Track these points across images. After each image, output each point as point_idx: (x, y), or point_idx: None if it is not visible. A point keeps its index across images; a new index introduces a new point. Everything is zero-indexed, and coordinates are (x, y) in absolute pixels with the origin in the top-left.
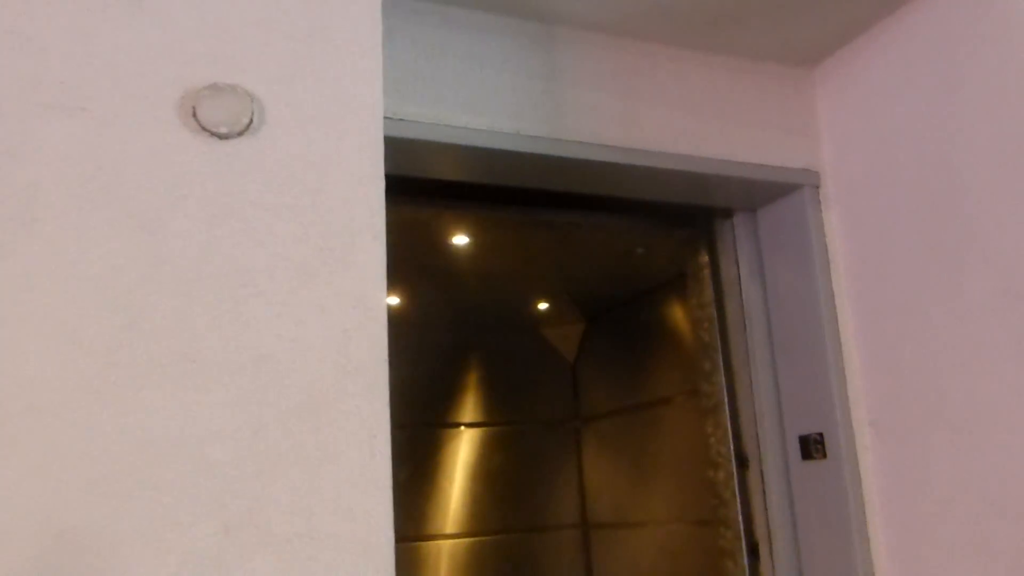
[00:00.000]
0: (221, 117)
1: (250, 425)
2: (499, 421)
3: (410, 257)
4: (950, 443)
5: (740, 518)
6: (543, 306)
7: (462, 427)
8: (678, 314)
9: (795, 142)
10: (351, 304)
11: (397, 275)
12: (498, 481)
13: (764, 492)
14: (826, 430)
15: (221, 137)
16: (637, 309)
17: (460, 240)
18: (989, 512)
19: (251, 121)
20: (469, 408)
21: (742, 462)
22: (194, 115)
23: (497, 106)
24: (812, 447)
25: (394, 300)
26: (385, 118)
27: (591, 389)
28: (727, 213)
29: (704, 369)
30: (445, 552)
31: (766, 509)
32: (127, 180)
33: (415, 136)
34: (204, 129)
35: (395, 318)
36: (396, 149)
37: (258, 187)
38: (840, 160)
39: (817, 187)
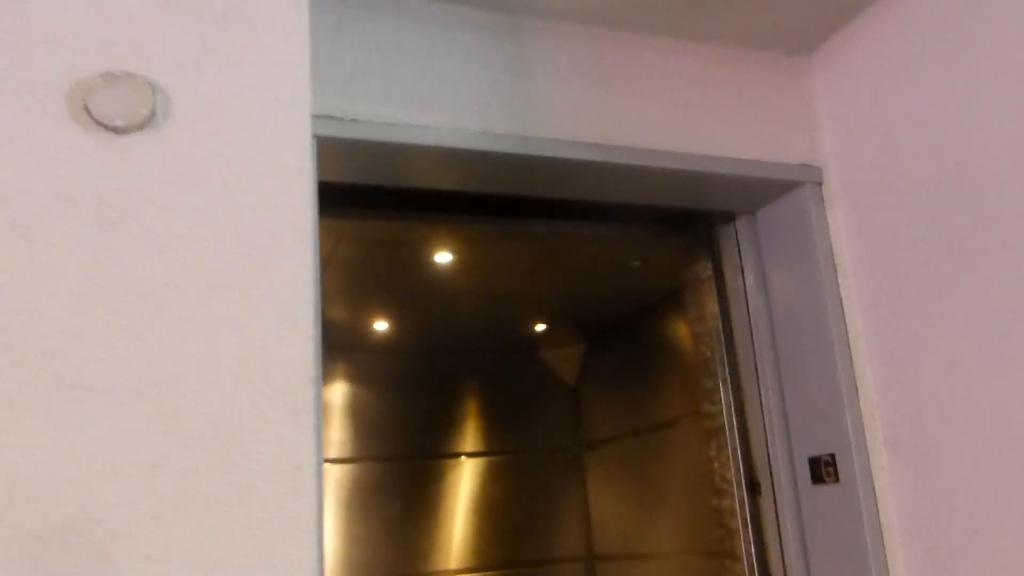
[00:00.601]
0: (117, 109)
1: (146, 461)
2: (499, 450)
3: (394, 277)
4: (977, 464)
5: (752, 550)
6: (540, 327)
7: (462, 456)
8: (682, 330)
9: (793, 135)
10: (272, 317)
11: (383, 298)
12: (499, 512)
13: (777, 521)
14: (838, 451)
15: (117, 131)
16: (639, 327)
17: (443, 258)
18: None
19: (152, 113)
20: (467, 437)
21: (752, 487)
22: (86, 108)
23: (461, 103)
24: (823, 470)
25: (383, 325)
26: (335, 119)
27: (594, 413)
28: (728, 217)
29: (705, 388)
30: None
31: (780, 539)
32: (4, 182)
33: (370, 138)
34: (97, 123)
35: (385, 344)
36: (350, 153)
37: (161, 186)
38: (843, 153)
39: (819, 184)
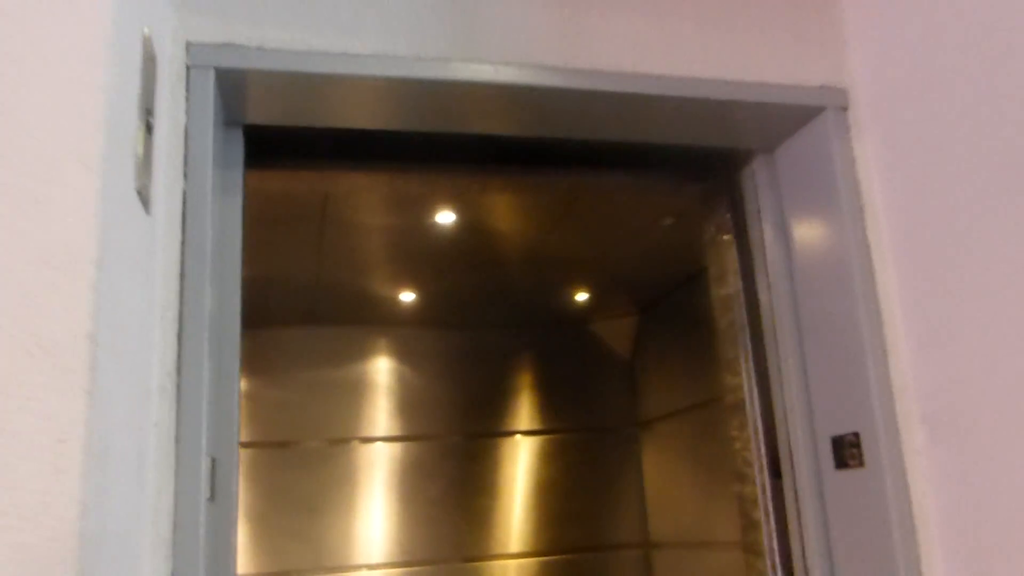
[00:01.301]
0: None
1: None
2: (550, 429)
3: (410, 241)
4: None
5: (775, 544)
6: (583, 296)
7: (511, 436)
8: None
9: (812, 52)
10: (42, 259)
11: (403, 265)
12: (550, 495)
13: (799, 511)
14: (863, 429)
15: None
16: (692, 294)
17: (445, 218)
18: None
19: None
20: (516, 416)
21: (775, 472)
22: None
23: (383, 22)
24: (846, 452)
25: (409, 296)
26: (238, 47)
27: (650, 389)
28: (746, 158)
29: (727, 357)
30: (512, 571)
31: (800, 533)
32: None
33: (282, 68)
34: None
35: (422, 318)
36: (265, 88)
37: None
38: (873, 72)
39: (844, 109)
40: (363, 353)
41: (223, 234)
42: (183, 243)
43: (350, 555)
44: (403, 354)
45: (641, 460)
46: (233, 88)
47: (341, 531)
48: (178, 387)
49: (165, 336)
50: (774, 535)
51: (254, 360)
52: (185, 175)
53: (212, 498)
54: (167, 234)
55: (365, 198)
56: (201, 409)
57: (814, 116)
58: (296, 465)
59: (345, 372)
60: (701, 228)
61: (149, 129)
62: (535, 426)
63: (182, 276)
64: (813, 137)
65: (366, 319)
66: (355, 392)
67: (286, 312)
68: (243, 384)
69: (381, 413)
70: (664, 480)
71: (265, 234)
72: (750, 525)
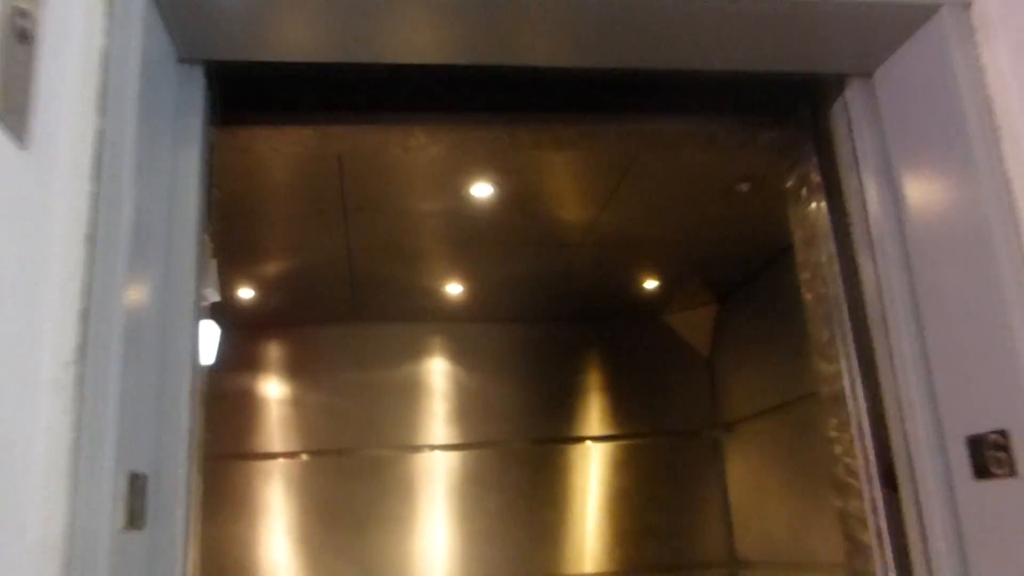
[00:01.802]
0: None
1: None
2: (623, 433)
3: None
4: None
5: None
6: (650, 284)
7: (581, 441)
8: None
9: None
10: None
11: (446, 252)
12: (624, 506)
13: (923, 531)
14: (1013, 426)
15: None
16: (778, 275)
17: (481, 191)
18: None
19: None
20: (585, 419)
21: (888, 482)
22: None
23: None
24: (989, 456)
25: (456, 288)
26: None
27: (733, 387)
28: (837, 86)
29: (819, 339)
30: None
31: (927, 561)
32: None
33: None
34: None
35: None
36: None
37: None
38: None
39: (966, 6)
40: (414, 352)
41: (172, 191)
42: (96, 196)
43: (403, 574)
44: (457, 352)
45: (724, 467)
46: (183, 8)
47: (393, 548)
48: (78, 380)
49: (62, 314)
50: (891, 565)
51: (294, 361)
52: (102, 110)
53: (134, 525)
54: (69, 182)
55: (385, 163)
56: (107, 409)
57: (925, 19)
58: (345, 476)
59: (395, 373)
60: (783, 184)
61: (24, 36)
62: (605, 431)
63: (91, 239)
64: (925, 48)
65: (413, 314)
66: (407, 395)
67: (324, 308)
68: (282, 388)
69: (435, 418)
70: (751, 489)
71: (282, 212)
72: (857, 550)
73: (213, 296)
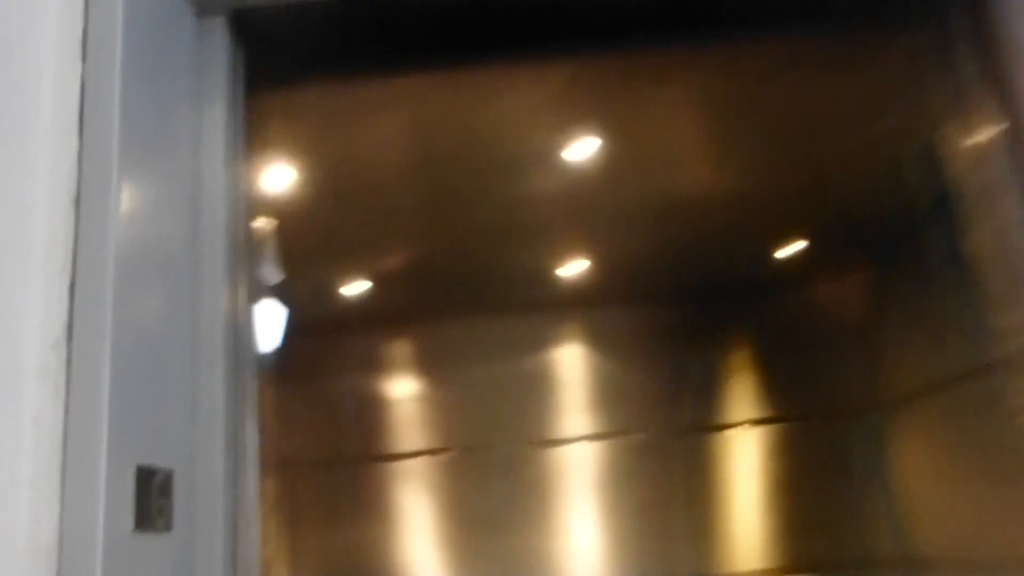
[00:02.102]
0: None
1: None
2: (773, 417)
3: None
4: None
5: None
6: (795, 248)
7: (725, 429)
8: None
9: None
10: None
11: (545, 229)
12: (777, 497)
13: None
14: None
15: None
16: (941, 229)
17: (583, 148)
18: None
19: None
20: (729, 404)
21: None
22: None
23: None
24: None
25: (580, 265)
26: None
27: (896, 361)
28: None
29: (995, 292)
30: None
31: None
32: None
33: None
34: None
35: (593, 293)
36: None
37: None
38: None
39: None
40: (542, 341)
41: (195, 156)
42: (79, 153)
43: None
44: (589, 339)
45: (889, 451)
46: None
47: (528, 549)
48: (68, 362)
49: (47, 288)
50: None
51: (419, 359)
52: (83, 55)
53: (151, 527)
54: (55, 138)
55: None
56: (101, 394)
57: None
58: (477, 475)
59: (524, 365)
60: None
61: None
62: (755, 415)
63: (77, 201)
64: None
65: (539, 302)
66: (538, 387)
67: (444, 302)
68: (408, 387)
69: (569, 411)
70: (923, 475)
71: (381, 202)
72: None
73: (272, 276)
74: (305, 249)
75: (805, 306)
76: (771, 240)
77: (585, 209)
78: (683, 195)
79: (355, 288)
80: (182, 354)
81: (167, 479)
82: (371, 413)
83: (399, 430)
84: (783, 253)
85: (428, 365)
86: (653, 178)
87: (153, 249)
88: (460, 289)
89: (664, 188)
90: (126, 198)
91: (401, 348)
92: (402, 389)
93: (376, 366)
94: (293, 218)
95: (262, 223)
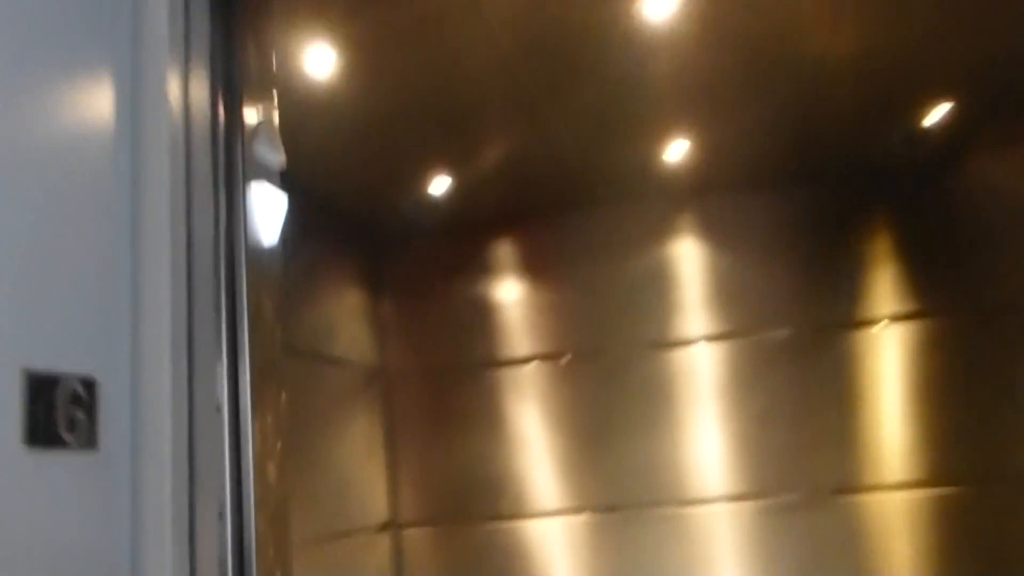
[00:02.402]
0: None
1: None
2: (918, 312)
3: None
4: None
5: None
6: (943, 111)
7: (867, 325)
8: None
9: None
10: None
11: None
12: (925, 402)
13: None
14: None
15: None
16: None
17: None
18: None
19: None
20: (866, 299)
21: None
22: None
23: None
24: None
25: (692, 149)
26: None
27: None
28: None
29: None
30: (877, 508)
31: None
32: None
33: None
34: None
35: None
36: None
37: None
38: None
39: None
40: (655, 235)
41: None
42: None
43: (662, 488)
44: (707, 230)
45: None
46: None
47: (643, 459)
48: None
49: None
50: None
51: (522, 260)
52: None
53: (60, 443)
54: None
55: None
56: None
57: None
58: (588, 381)
59: (636, 262)
60: None
61: None
62: (899, 311)
63: None
64: None
65: (648, 192)
66: (651, 286)
67: (546, 199)
68: (512, 289)
69: (687, 310)
70: None
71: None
72: None
73: (272, 158)
74: (382, 146)
75: (959, 185)
76: (912, 106)
77: (690, 84)
78: (801, 58)
79: (447, 188)
80: (107, 249)
81: (87, 389)
82: (479, 319)
83: (508, 336)
84: (929, 121)
85: (535, 267)
86: (764, 40)
87: (70, 129)
88: (561, 184)
89: (777, 52)
90: (37, 81)
91: (506, 250)
92: (510, 293)
93: (482, 270)
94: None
95: (258, 107)
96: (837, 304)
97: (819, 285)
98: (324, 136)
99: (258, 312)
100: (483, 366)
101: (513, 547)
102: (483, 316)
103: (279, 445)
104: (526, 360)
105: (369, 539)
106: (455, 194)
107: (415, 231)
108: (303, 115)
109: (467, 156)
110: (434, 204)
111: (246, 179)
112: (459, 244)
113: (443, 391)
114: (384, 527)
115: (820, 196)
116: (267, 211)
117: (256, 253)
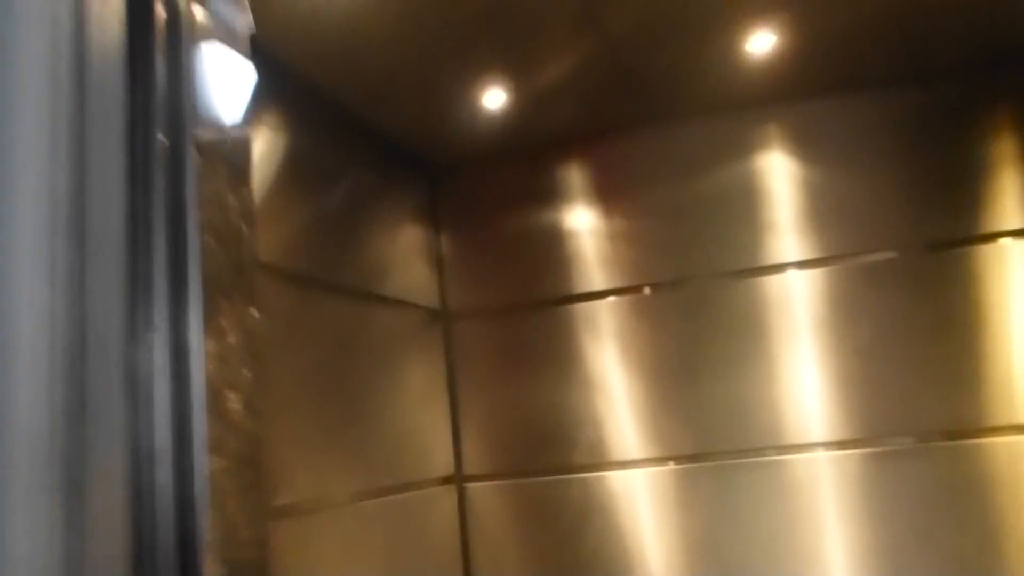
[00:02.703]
0: None
1: None
2: None
3: None
4: None
5: None
6: None
7: (1001, 239)
8: None
9: None
10: None
11: None
12: None
13: None
14: None
15: None
16: None
17: None
18: None
19: None
20: (990, 211)
21: None
22: None
23: None
24: None
25: (767, 42)
26: None
27: None
28: None
29: None
30: (1002, 453)
31: None
32: None
33: None
34: None
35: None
36: None
37: None
38: None
39: None
40: (736, 150)
41: None
42: None
43: (754, 434)
44: (795, 141)
45: None
46: None
47: (733, 399)
48: None
49: None
50: None
51: (588, 184)
52: None
53: None
54: None
55: None
56: None
57: None
58: (670, 314)
59: (716, 180)
60: None
61: None
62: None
63: None
64: None
65: (726, 100)
66: (735, 206)
67: (610, 115)
68: (587, 216)
69: (777, 231)
70: None
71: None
72: None
73: (233, 16)
74: (433, 60)
75: None
76: None
77: None
78: None
79: (505, 107)
80: None
81: None
82: (546, 251)
83: (580, 269)
84: None
85: (606, 191)
86: None
87: None
88: (633, 97)
89: None
90: None
91: (574, 174)
92: (580, 221)
93: (548, 197)
94: None
95: None
96: (953, 219)
97: (932, 198)
98: (368, 51)
99: (213, 204)
100: (553, 303)
101: (589, 502)
102: (551, 248)
103: (249, 374)
104: (600, 295)
105: (430, 493)
106: (514, 114)
107: (473, 158)
108: (342, 26)
109: (526, 69)
110: (492, 126)
111: (195, 38)
112: (522, 170)
113: (509, 332)
114: (446, 480)
115: (933, 92)
116: (227, 81)
117: (209, 131)
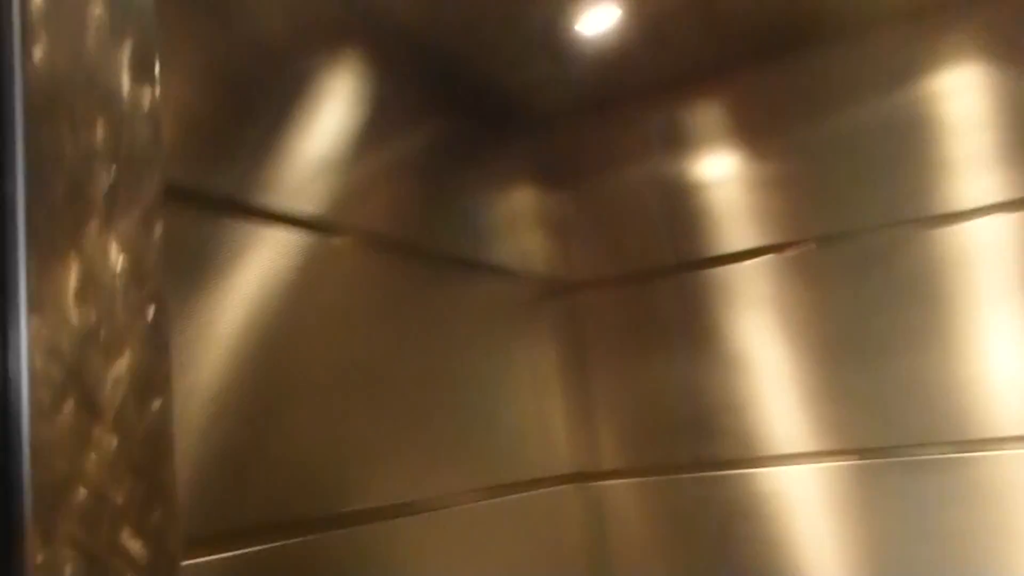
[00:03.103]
0: None
1: None
2: None
3: None
4: None
5: None
6: None
7: None
8: None
9: None
10: None
11: None
12: None
13: None
14: None
15: None
16: None
17: None
18: None
19: None
20: None
21: None
22: None
23: None
24: None
25: None
26: None
27: None
28: None
29: None
30: None
31: None
32: None
33: None
34: None
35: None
36: None
37: None
38: None
39: None
40: (910, 69)
41: None
42: None
43: (942, 424)
44: (989, 49)
45: None
46: None
47: (921, 383)
48: None
49: None
50: None
51: (738, 126)
52: None
53: None
54: None
55: None
56: None
57: None
58: (838, 272)
59: (886, 110)
60: None
61: None
62: None
63: None
64: None
65: (890, 7)
66: (915, 139)
67: (749, 37)
68: (725, 163)
69: (971, 168)
70: None
71: None
72: None
73: None
74: None
75: None
76: None
77: None
78: None
79: (622, 42)
80: None
81: None
82: (680, 207)
83: (721, 225)
84: None
85: (748, 132)
86: None
87: None
88: (775, 17)
89: None
90: None
91: (708, 114)
92: (719, 169)
93: (679, 143)
94: None
95: None
96: None
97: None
98: None
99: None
100: (691, 267)
101: (740, 503)
102: (686, 203)
103: (152, 312)
104: (747, 255)
105: (550, 494)
106: (633, 48)
107: (588, 101)
108: None
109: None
110: (607, 60)
111: None
112: (646, 113)
113: (641, 303)
114: (573, 478)
115: None
116: None
117: None
